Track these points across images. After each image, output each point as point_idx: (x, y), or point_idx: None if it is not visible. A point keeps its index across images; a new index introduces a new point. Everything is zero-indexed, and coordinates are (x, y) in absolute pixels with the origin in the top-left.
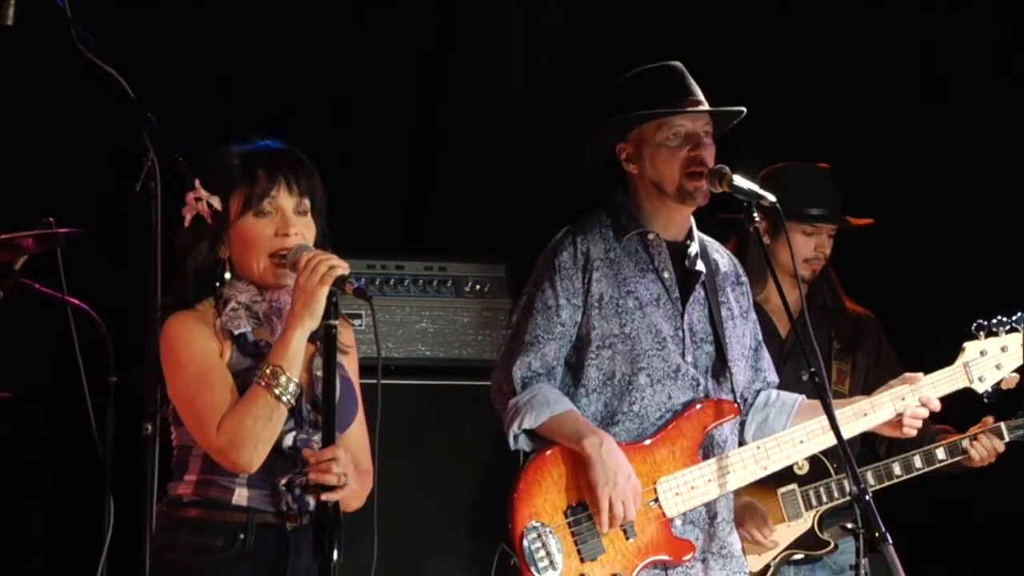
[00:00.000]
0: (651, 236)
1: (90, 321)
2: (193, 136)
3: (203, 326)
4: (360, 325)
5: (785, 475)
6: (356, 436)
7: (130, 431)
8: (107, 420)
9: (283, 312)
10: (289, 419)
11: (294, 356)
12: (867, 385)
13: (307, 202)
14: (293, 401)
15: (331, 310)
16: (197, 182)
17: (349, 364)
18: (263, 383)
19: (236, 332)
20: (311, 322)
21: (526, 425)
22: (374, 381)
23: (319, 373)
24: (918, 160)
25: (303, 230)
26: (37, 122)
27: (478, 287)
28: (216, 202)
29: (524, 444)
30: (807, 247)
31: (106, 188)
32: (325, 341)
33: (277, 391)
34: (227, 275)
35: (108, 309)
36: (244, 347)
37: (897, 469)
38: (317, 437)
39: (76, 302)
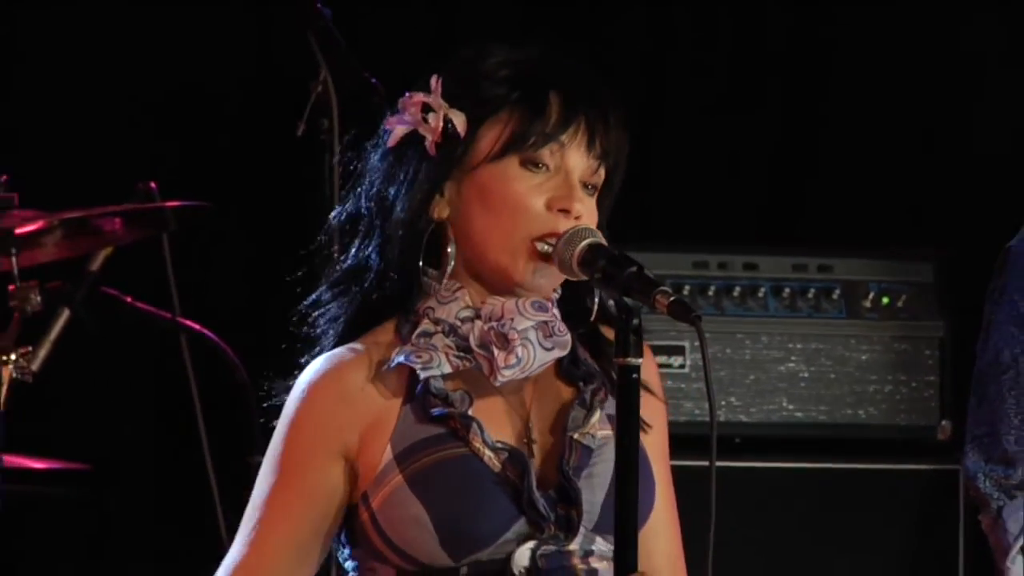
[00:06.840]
0: None
1: (217, 358)
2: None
3: (343, 396)
4: (680, 366)
5: None
6: (663, 550)
7: None
8: None
9: (508, 339)
10: (518, 517)
11: None
12: None
13: (603, 173)
14: None
15: (629, 340)
16: (435, 81)
17: (651, 430)
18: None
19: (424, 375)
20: None
21: None
22: (704, 463)
23: (577, 435)
24: None
25: (586, 214)
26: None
27: (886, 300)
28: (460, 121)
29: None
30: None
31: (237, 135)
32: (621, 393)
33: None
34: (449, 249)
35: (241, 337)
36: (422, 403)
37: None
38: (578, 543)
39: (195, 326)
